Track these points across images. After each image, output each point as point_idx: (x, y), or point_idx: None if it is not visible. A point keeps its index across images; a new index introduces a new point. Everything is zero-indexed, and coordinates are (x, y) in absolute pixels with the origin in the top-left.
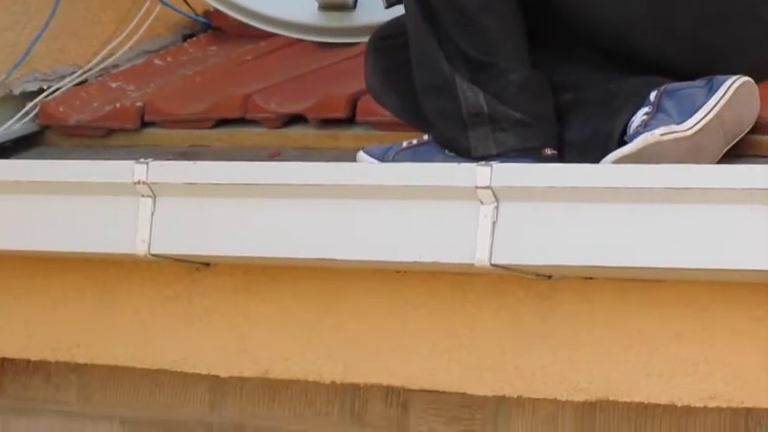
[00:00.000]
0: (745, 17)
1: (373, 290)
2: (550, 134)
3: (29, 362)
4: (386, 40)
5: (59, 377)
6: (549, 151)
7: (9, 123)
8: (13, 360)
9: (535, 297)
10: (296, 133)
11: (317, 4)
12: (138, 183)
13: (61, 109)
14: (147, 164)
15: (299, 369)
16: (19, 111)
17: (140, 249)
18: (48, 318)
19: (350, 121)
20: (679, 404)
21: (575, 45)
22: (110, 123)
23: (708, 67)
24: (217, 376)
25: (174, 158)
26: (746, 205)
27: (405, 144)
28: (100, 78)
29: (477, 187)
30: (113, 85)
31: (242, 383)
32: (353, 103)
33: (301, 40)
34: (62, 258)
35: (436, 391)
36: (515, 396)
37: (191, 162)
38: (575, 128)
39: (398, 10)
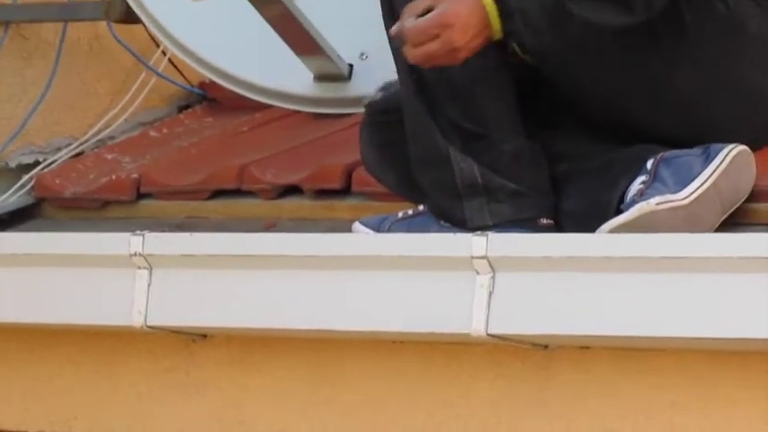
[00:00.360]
0: (734, 84)
1: (369, 360)
2: (546, 204)
3: None
4: (381, 115)
5: None
6: (545, 221)
7: (5, 196)
8: None
9: (532, 367)
10: (292, 204)
11: (312, 76)
12: (135, 255)
13: (57, 181)
14: (144, 236)
15: None
16: (15, 183)
17: (137, 321)
18: (45, 390)
19: (345, 191)
20: None
21: (569, 116)
22: (106, 195)
23: (702, 135)
24: None
25: (171, 230)
26: (743, 274)
27: (400, 215)
28: (96, 150)
29: (473, 257)
30: (109, 156)
31: None
32: (349, 174)
33: (297, 111)
34: (59, 330)
35: None
36: None
37: (187, 234)
38: (571, 197)
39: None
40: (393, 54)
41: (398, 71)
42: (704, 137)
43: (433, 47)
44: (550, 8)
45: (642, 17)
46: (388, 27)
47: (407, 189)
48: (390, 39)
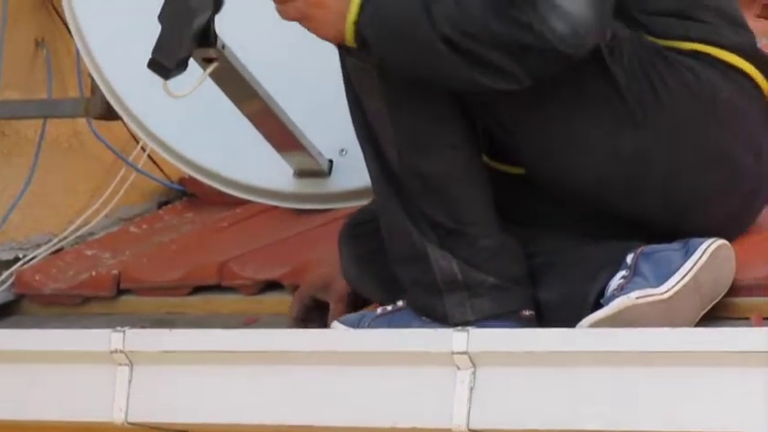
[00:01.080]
0: (716, 161)
1: None
2: (527, 296)
3: None
4: (358, 227)
5: None
6: (526, 313)
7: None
8: None
9: None
10: (272, 299)
11: (292, 171)
12: (115, 351)
13: (37, 277)
14: (124, 332)
15: None
16: None
17: (118, 418)
18: None
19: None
20: None
21: (544, 208)
22: (86, 291)
23: (682, 217)
24: None
25: (151, 326)
26: (724, 368)
27: (379, 311)
28: (76, 246)
29: (453, 353)
30: (89, 252)
31: None
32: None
33: (277, 206)
34: (39, 427)
35: None
36: None
37: (167, 330)
38: (548, 289)
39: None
40: (362, 147)
41: (368, 166)
42: (683, 218)
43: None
44: (411, 28)
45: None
46: (356, 123)
47: (389, 295)
48: (357, 132)
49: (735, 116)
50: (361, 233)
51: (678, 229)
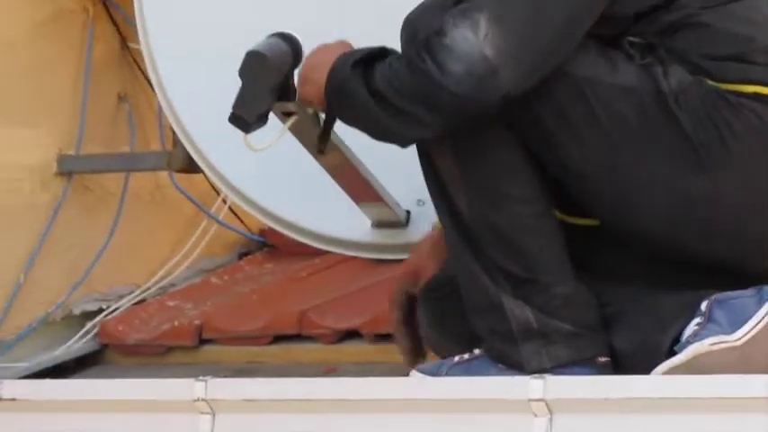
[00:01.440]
0: None
1: None
2: (601, 342)
3: None
4: (435, 291)
5: None
6: (602, 359)
7: (70, 343)
8: None
9: None
10: (351, 348)
11: (369, 222)
12: (198, 400)
13: (120, 328)
14: (206, 381)
15: None
16: (79, 330)
17: None
18: None
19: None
20: None
21: (617, 261)
22: (168, 341)
23: (753, 259)
24: None
25: (232, 375)
26: None
27: (456, 359)
28: (158, 297)
29: (530, 400)
30: (171, 303)
31: None
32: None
33: (354, 257)
34: None
35: None
36: None
37: (248, 379)
38: (622, 337)
39: None
40: (433, 202)
41: (441, 220)
42: (757, 260)
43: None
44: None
45: (437, 131)
46: (427, 179)
47: (467, 348)
48: (429, 187)
49: None
50: (438, 297)
51: (748, 272)
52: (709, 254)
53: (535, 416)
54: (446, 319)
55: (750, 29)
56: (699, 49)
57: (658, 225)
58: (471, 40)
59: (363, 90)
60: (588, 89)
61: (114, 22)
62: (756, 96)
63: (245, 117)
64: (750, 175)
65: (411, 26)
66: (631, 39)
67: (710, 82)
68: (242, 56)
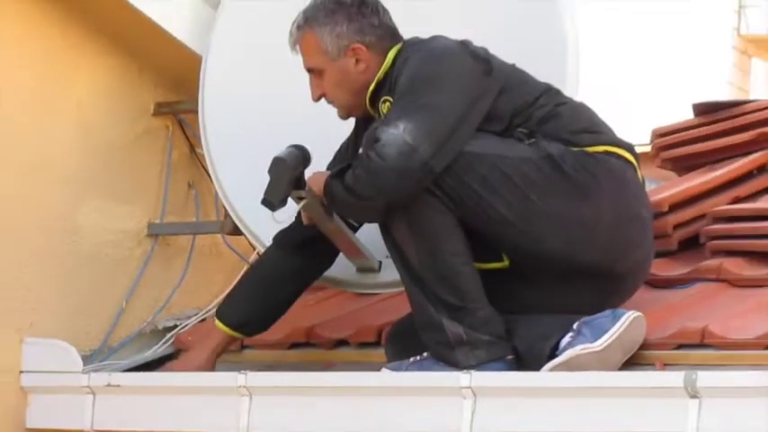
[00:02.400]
0: (633, 218)
1: None
2: (508, 347)
3: None
4: (397, 328)
5: None
6: (509, 357)
7: (155, 348)
8: None
9: None
10: (342, 352)
11: (355, 269)
12: (240, 386)
13: (189, 338)
14: (246, 374)
15: None
16: (161, 340)
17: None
18: None
19: (377, 344)
20: None
21: (515, 293)
22: None
23: (617, 262)
24: None
25: (263, 370)
26: (638, 399)
27: (412, 360)
28: (213, 318)
29: (461, 387)
30: None
31: None
32: (380, 333)
33: (345, 291)
34: None
35: None
36: None
37: (274, 372)
38: (519, 345)
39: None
40: (392, 258)
41: (398, 269)
42: (620, 262)
43: None
44: (338, 197)
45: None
46: (387, 243)
47: (417, 352)
48: (388, 249)
49: (636, 187)
50: (399, 331)
51: (616, 272)
52: (591, 263)
53: (464, 398)
54: (403, 340)
55: (589, 113)
56: (562, 129)
57: (558, 245)
58: (395, 133)
59: (341, 187)
60: (500, 162)
61: (186, 135)
62: (607, 152)
63: (272, 200)
64: (614, 201)
65: (364, 141)
66: (520, 130)
67: (576, 148)
68: (271, 159)
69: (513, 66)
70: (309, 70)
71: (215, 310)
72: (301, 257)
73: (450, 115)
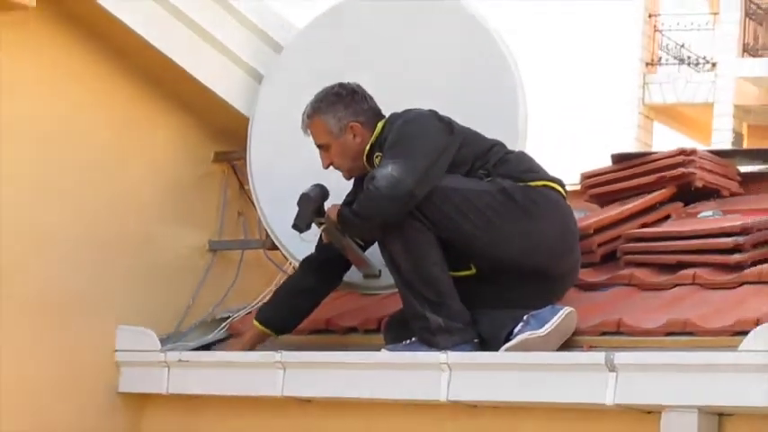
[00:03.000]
0: (566, 232)
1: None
2: (475, 332)
3: None
4: (392, 319)
5: None
6: (476, 340)
7: (213, 333)
8: None
9: (478, 414)
10: (352, 337)
11: (361, 275)
12: (276, 362)
13: (240, 326)
14: (281, 352)
15: None
16: (217, 327)
17: (277, 393)
18: None
19: (378, 330)
20: None
21: (479, 294)
22: None
23: (556, 266)
24: None
25: (293, 349)
26: (568, 372)
27: (405, 343)
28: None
29: (440, 363)
30: None
31: None
32: (380, 322)
33: (354, 292)
34: (218, 399)
35: None
36: None
37: (301, 351)
38: (482, 331)
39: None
40: (387, 266)
41: (392, 274)
42: (557, 265)
43: None
44: (348, 220)
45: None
46: (384, 255)
47: (407, 337)
48: (384, 258)
49: (567, 210)
50: (394, 321)
51: (554, 273)
52: (537, 266)
53: (442, 371)
54: (398, 327)
55: (529, 159)
56: (512, 170)
57: (513, 254)
58: (386, 172)
59: (350, 213)
60: (468, 194)
61: (237, 176)
62: (545, 186)
63: (300, 225)
64: (552, 220)
65: (365, 180)
66: (480, 172)
67: (521, 183)
68: (299, 194)
69: (470, 128)
70: (319, 146)
71: (257, 306)
72: (318, 279)
73: (424, 159)
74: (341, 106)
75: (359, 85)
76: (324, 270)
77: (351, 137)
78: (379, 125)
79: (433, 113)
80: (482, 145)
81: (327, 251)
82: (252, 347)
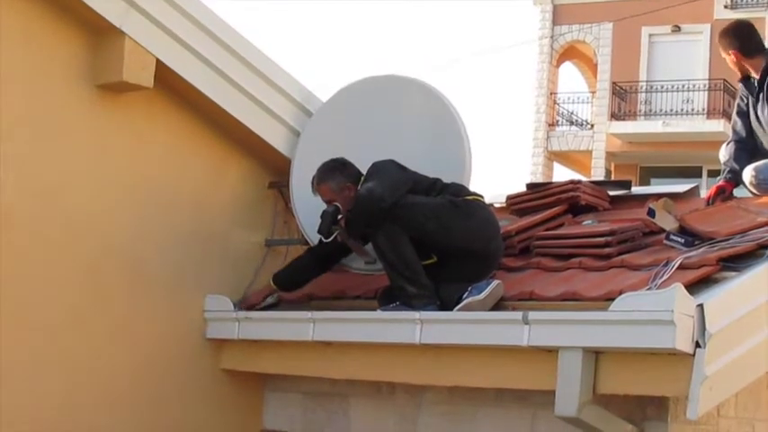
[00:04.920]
0: (496, 230)
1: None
2: (437, 298)
3: None
4: (384, 289)
5: None
6: (438, 303)
7: (267, 300)
8: None
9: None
10: (358, 302)
11: (363, 262)
12: (309, 318)
13: (284, 295)
14: (312, 312)
15: None
16: (269, 296)
17: (309, 337)
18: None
19: (375, 297)
20: None
21: (438, 273)
22: (301, 300)
23: (485, 252)
24: None
25: (320, 309)
26: (500, 325)
27: (392, 305)
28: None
29: (416, 319)
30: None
31: None
32: (376, 291)
33: (359, 273)
34: (271, 342)
35: None
36: None
37: (327, 311)
38: (441, 296)
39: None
40: (377, 254)
41: (380, 261)
42: (488, 251)
43: None
44: (350, 222)
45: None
46: (375, 247)
47: (393, 301)
48: (375, 250)
49: (490, 213)
50: (384, 291)
51: (489, 253)
52: (477, 249)
53: (416, 324)
54: (387, 294)
55: (460, 185)
56: (451, 192)
57: (461, 242)
58: (369, 187)
59: (351, 216)
60: (429, 205)
61: (283, 198)
62: (475, 198)
63: (323, 231)
64: (483, 218)
65: (359, 194)
66: (434, 193)
67: (460, 198)
68: (321, 211)
69: (417, 172)
70: (327, 202)
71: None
72: (317, 260)
73: (389, 178)
74: (338, 173)
75: (344, 158)
76: (320, 259)
77: (347, 192)
78: (361, 180)
79: (392, 161)
80: (427, 181)
81: (324, 248)
82: (265, 297)
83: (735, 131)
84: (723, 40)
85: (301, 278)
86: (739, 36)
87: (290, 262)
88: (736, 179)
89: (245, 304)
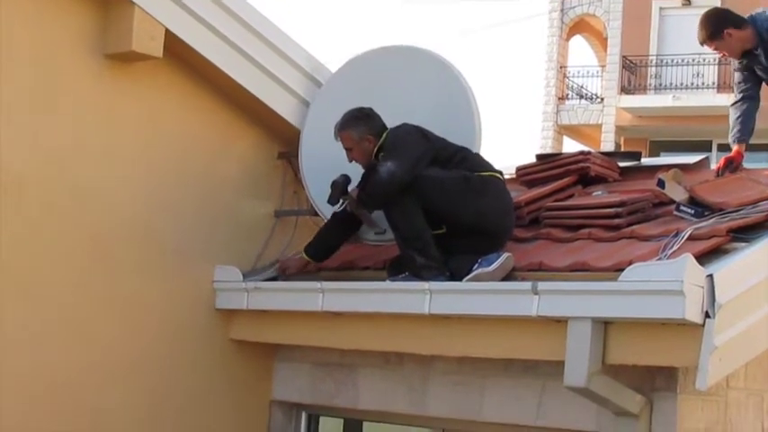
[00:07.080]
0: (509, 207)
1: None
2: (446, 269)
3: None
4: (393, 260)
5: None
6: (447, 274)
7: (272, 269)
8: None
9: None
10: (367, 273)
11: (373, 233)
12: (318, 289)
13: (287, 263)
14: (321, 282)
15: None
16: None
17: (318, 308)
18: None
19: (384, 268)
20: None
21: (449, 244)
22: (310, 270)
23: (500, 228)
24: None
25: (329, 280)
26: (510, 295)
27: (401, 276)
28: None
29: (425, 290)
30: None
31: None
32: (385, 262)
33: (368, 244)
34: (278, 313)
35: None
36: None
37: (336, 282)
38: (451, 267)
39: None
40: (390, 225)
41: (394, 233)
42: (502, 227)
43: None
44: (363, 199)
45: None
46: (388, 220)
47: (403, 271)
48: (389, 222)
49: (505, 189)
50: (393, 262)
51: (500, 232)
52: (489, 225)
53: (425, 294)
54: (395, 265)
55: (481, 158)
56: (470, 166)
57: (472, 217)
58: (384, 164)
59: (363, 193)
60: (443, 180)
61: (293, 168)
62: (491, 174)
63: (332, 202)
64: (496, 195)
65: (372, 170)
66: (449, 165)
67: (476, 173)
68: (331, 180)
69: (443, 138)
70: (346, 149)
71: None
72: (341, 225)
73: (410, 157)
74: (361, 123)
75: (371, 109)
76: (345, 221)
77: (366, 144)
78: (384, 135)
79: (417, 127)
80: (451, 149)
81: (346, 212)
82: (300, 271)
83: (741, 89)
84: (711, 27)
85: (332, 243)
86: (723, 16)
87: (317, 231)
88: (746, 138)
89: (282, 268)
